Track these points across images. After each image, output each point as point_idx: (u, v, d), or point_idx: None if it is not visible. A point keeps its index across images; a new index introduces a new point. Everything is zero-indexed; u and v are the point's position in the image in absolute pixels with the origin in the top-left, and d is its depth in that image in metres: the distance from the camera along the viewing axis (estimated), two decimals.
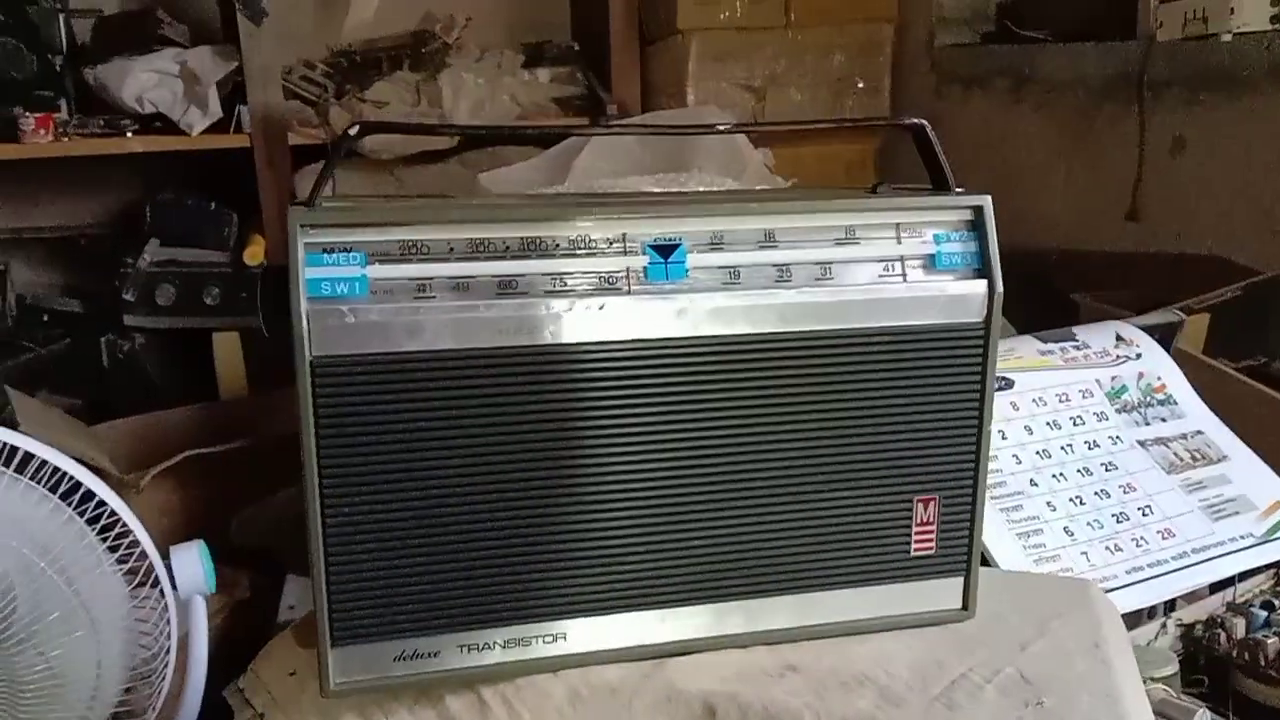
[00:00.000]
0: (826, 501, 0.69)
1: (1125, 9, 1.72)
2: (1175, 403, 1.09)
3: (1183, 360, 1.18)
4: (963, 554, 0.72)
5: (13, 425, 1.37)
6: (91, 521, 0.91)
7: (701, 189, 1.37)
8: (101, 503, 0.91)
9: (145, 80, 1.74)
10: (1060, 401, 1.05)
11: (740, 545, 0.69)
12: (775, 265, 0.66)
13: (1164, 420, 1.07)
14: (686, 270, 0.65)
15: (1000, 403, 1.03)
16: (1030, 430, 1.02)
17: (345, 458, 0.61)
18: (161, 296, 1.76)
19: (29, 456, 0.89)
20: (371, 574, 0.63)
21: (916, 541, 0.71)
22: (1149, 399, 1.08)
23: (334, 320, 0.60)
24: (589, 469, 0.65)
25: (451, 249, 0.62)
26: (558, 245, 0.63)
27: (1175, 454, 1.04)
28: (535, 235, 0.63)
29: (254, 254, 1.78)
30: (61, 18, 1.70)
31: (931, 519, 0.71)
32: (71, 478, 0.91)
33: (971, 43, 2.04)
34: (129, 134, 1.74)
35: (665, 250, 0.64)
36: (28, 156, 1.67)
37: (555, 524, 0.65)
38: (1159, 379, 1.10)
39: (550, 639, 0.67)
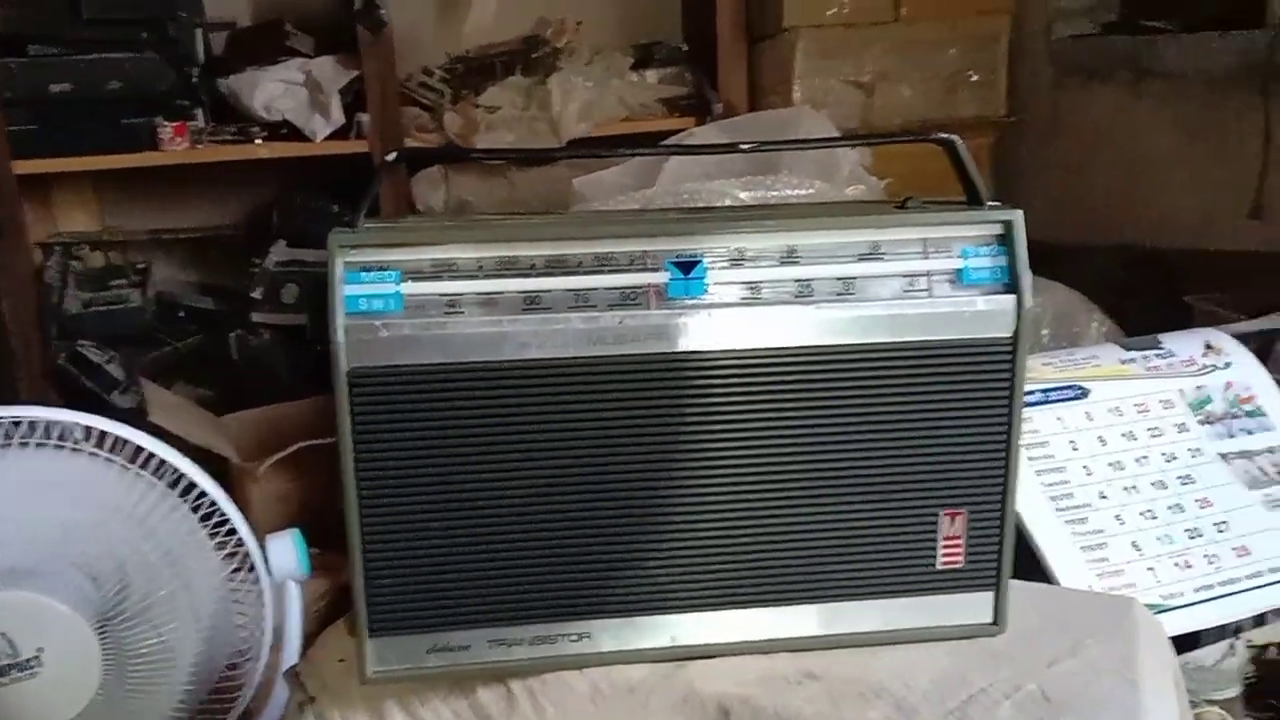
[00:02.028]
0: (850, 512, 0.70)
1: None
2: (1264, 415, 1.05)
3: None
4: (992, 568, 0.72)
5: (144, 415, 1.49)
6: (196, 509, 1.00)
7: (789, 193, 1.38)
8: (205, 492, 0.99)
9: (273, 89, 1.84)
10: (1138, 411, 1.02)
11: (763, 552, 0.70)
12: (797, 281, 0.67)
13: (1250, 433, 1.03)
14: (706, 286, 0.67)
15: (1074, 412, 1.02)
16: (1104, 441, 1.00)
17: (380, 462, 0.66)
18: (287, 295, 1.86)
19: (139, 449, 0.98)
20: (406, 570, 0.68)
21: (944, 554, 0.72)
22: (1235, 410, 1.04)
23: (369, 334, 0.64)
24: (611, 476, 0.68)
25: (480, 266, 0.65)
26: (580, 262, 0.66)
27: (1260, 468, 1.00)
28: (560, 253, 0.66)
29: None
30: (198, 32, 1.82)
31: (959, 533, 0.71)
32: (180, 470, 0.99)
33: (1091, 33, 1.98)
34: (258, 141, 1.85)
35: (686, 266, 0.67)
36: (167, 163, 1.79)
37: (580, 527, 0.68)
38: (1248, 389, 1.06)
39: (575, 638, 0.70)
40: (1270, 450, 1.02)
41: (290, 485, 1.47)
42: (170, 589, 0.97)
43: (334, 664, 0.74)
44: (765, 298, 0.67)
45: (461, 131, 1.93)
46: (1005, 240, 0.69)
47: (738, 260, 0.67)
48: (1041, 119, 2.04)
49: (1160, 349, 1.08)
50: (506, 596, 0.68)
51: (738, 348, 0.67)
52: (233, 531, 1.01)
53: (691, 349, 0.67)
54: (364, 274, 0.65)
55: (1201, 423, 1.03)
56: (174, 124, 1.77)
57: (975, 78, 2.04)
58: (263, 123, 1.85)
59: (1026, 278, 0.69)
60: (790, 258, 0.68)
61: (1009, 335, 0.69)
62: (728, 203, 1.32)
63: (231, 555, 1.02)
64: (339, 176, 1.93)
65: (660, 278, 0.67)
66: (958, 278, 0.69)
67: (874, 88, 2.02)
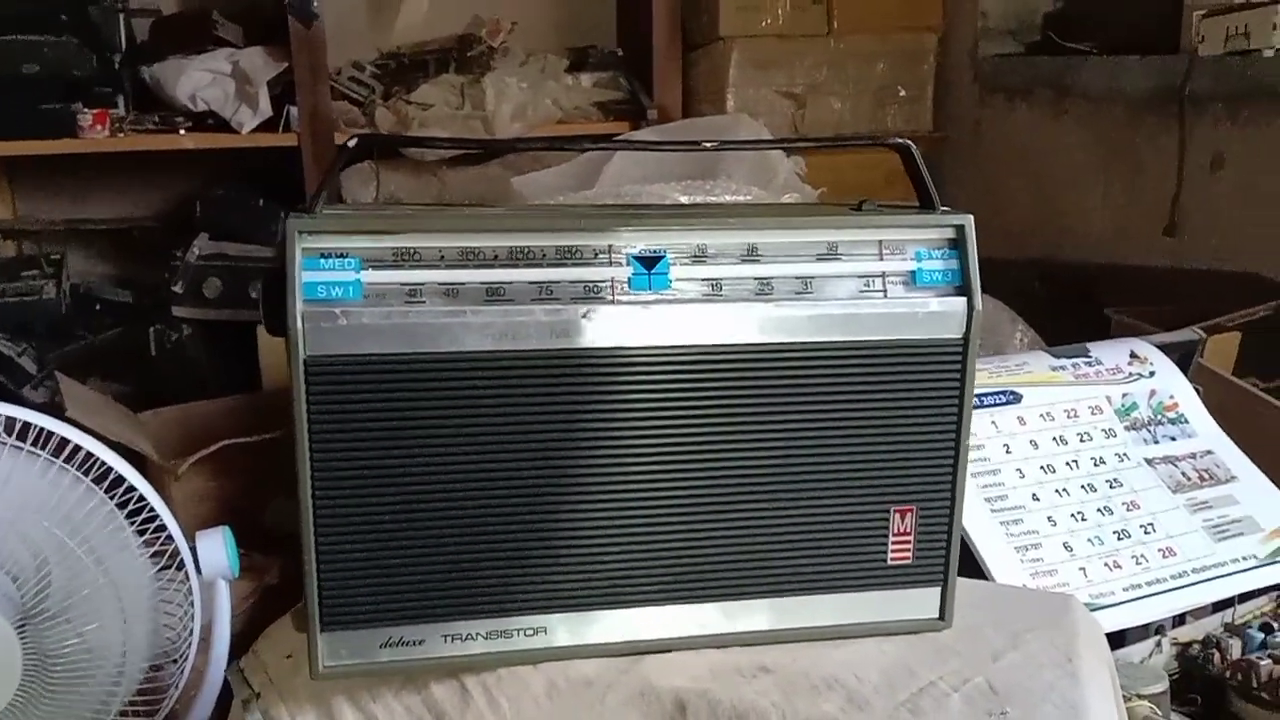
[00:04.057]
0: (803, 508, 0.71)
1: (1169, 23, 1.71)
2: (1186, 421, 1.09)
3: (1208, 379, 1.17)
4: (940, 564, 0.74)
5: (61, 410, 1.43)
6: (123, 505, 0.96)
7: (728, 197, 1.39)
8: (132, 488, 0.96)
9: (199, 79, 1.80)
10: (1068, 417, 1.05)
11: (718, 547, 0.71)
12: (757, 279, 0.68)
13: (1174, 439, 1.07)
14: (669, 281, 0.67)
15: (1007, 417, 1.04)
16: (1036, 445, 1.03)
17: (336, 453, 0.65)
18: (209, 289, 1.81)
19: (65, 441, 0.94)
20: (359, 563, 0.66)
21: (894, 550, 0.73)
22: (1159, 417, 1.08)
23: (327, 322, 0.63)
24: (570, 470, 0.68)
25: (442, 256, 0.65)
26: (545, 255, 0.66)
27: (1183, 473, 1.04)
28: (524, 245, 0.66)
29: None
30: (121, 17, 1.77)
31: (909, 529, 0.73)
32: (105, 463, 0.96)
33: (1016, 53, 2.03)
34: (182, 131, 1.80)
35: (649, 262, 0.67)
36: (85, 151, 1.73)
37: (537, 521, 0.68)
38: (1171, 397, 1.10)
39: (531, 632, 0.69)
40: (1192, 455, 1.06)
41: (211, 485, 1.43)
42: (95, 587, 0.94)
43: (280, 660, 0.73)
44: (726, 294, 0.68)
45: (393, 128, 1.91)
46: (957, 244, 0.71)
47: (700, 257, 0.68)
48: (965, 135, 2.09)
49: (1088, 357, 1.11)
50: (462, 590, 0.68)
51: (698, 343, 0.68)
52: (162, 529, 0.98)
53: (653, 344, 0.67)
54: (323, 260, 0.64)
55: (1128, 429, 1.06)
56: (94, 111, 1.72)
57: (903, 93, 2.09)
58: (187, 113, 1.80)
59: (977, 281, 0.71)
60: (751, 255, 0.68)
61: (960, 336, 0.71)
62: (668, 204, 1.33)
63: (160, 554, 0.99)
64: (263, 169, 1.89)
65: (624, 272, 0.67)
66: (911, 279, 0.70)
67: (805, 99, 2.05)
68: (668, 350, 0.67)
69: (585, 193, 1.39)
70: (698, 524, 0.70)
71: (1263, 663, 0.88)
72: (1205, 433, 1.09)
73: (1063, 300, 1.79)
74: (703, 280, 0.68)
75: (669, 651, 0.71)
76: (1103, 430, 1.05)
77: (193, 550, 1.00)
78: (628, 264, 0.67)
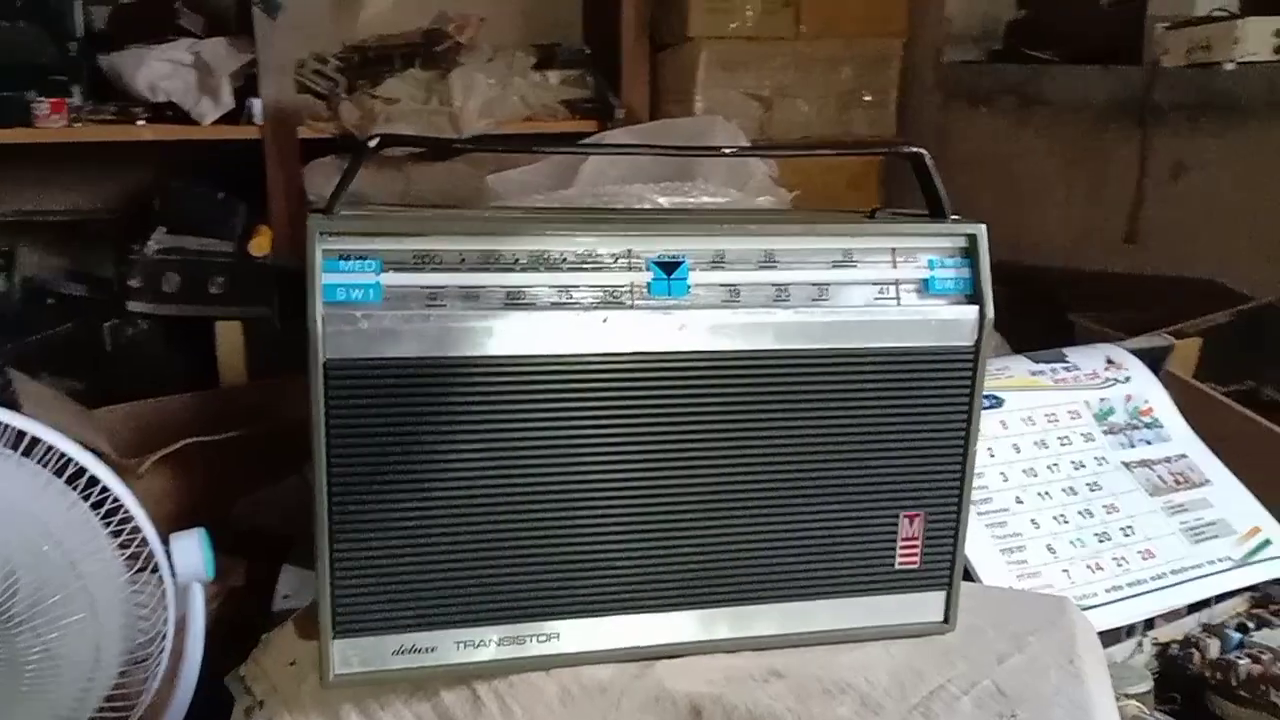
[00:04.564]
0: (814, 514, 0.71)
1: (1132, 34, 1.75)
2: (1161, 426, 1.11)
3: (1172, 384, 1.20)
4: (946, 569, 0.75)
5: (15, 407, 1.39)
6: (94, 506, 0.94)
7: (705, 199, 1.39)
8: (104, 488, 0.93)
9: (159, 69, 1.76)
10: (1048, 421, 1.07)
11: (730, 553, 0.71)
12: (774, 285, 0.68)
13: (1149, 443, 1.09)
14: (689, 287, 0.67)
15: (989, 421, 1.06)
16: (1018, 449, 1.05)
17: (353, 457, 0.63)
18: (166, 284, 1.78)
19: (33, 440, 0.91)
20: (373, 569, 0.65)
21: (901, 555, 0.74)
22: (1135, 421, 1.10)
23: (348, 325, 0.62)
24: (587, 475, 0.67)
25: (463, 259, 0.64)
26: (565, 259, 0.65)
27: (1159, 476, 1.06)
28: (543, 249, 0.65)
29: (260, 245, 1.81)
30: (79, 4, 1.73)
31: (917, 534, 0.73)
32: (74, 462, 0.93)
33: (979, 60, 2.06)
34: (141, 122, 1.77)
35: (668, 267, 0.67)
36: (40, 141, 1.69)
37: (552, 527, 0.67)
38: (1146, 402, 1.12)
39: (544, 638, 0.69)
40: (1168, 459, 1.08)
41: (172, 483, 1.40)
42: (68, 590, 0.91)
43: (283, 667, 0.71)
44: (744, 300, 0.68)
45: (359, 123, 1.88)
46: (969, 253, 0.72)
47: (718, 262, 0.68)
48: (929, 140, 2.11)
49: (1066, 362, 1.13)
50: (475, 597, 0.67)
51: (716, 349, 0.68)
52: (135, 530, 0.95)
53: (671, 349, 0.67)
54: (343, 262, 0.62)
55: (1105, 433, 1.08)
56: (50, 100, 1.68)
57: (868, 97, 2.11)
58: (146, 103, 1.77)
59: (989, 289, 0.72)
60: (768, 261, 0.69)
61: (971, 344, 0.72)
62: (647, 206, 1.33)
63: (133, 556, 0.96)
64: (224, 161, 1.86)
65: (643, 277, 0.66)
66: (924, 287, 0.71)
67: (772, 102, 2.06)
68: (686, 356, 0.67)
69: (563, 192, 1.39)
70: (708, 529, 0.70)
71: (1241, 662, 0.91)
72: (1179, 437, 1.11)
73: (1025, 305, 1.82)
74: (721, 286, 0.68)
75: (680, 657, 0.71)
76: (1082, 434, 1.07)
77: (167, 552, 0.97)
78: (647, 269, 0.66)
